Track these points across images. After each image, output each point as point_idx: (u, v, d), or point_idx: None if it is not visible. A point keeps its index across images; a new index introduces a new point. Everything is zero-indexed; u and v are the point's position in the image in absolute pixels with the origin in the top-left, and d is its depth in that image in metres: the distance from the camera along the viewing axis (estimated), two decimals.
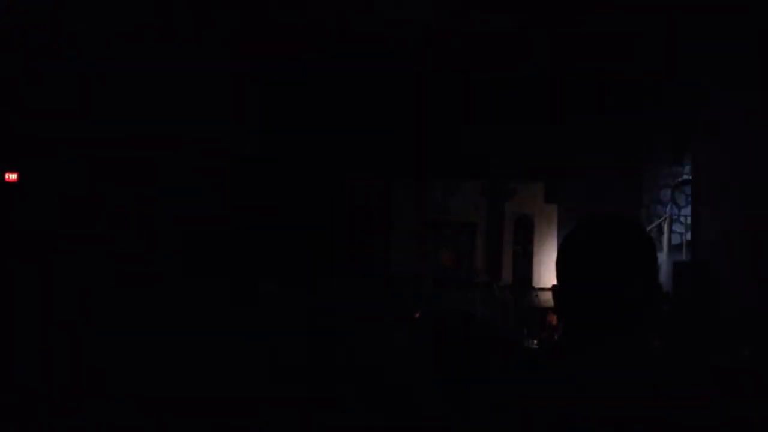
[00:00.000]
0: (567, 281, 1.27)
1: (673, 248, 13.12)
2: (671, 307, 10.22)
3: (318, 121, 13.57)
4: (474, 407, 1.63)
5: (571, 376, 1.24)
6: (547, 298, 13.31)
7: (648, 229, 13.43)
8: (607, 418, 1.16)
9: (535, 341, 9.22)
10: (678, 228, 13.20)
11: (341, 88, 13.15)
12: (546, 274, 15.33)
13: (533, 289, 14.87)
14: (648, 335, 1.29)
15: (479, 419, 1.37)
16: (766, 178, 8.52)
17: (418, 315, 9.59)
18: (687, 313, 9.61)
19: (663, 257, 13.12)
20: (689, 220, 12.51)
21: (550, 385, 1.25)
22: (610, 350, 1.22)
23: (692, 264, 10.90)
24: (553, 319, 9.38)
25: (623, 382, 1.19)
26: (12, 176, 9.25)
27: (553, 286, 1.33)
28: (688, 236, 12.56)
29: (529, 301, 13.08)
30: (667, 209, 13.55)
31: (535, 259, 15.36)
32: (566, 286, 1.27)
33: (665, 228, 13.43)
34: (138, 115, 9.91)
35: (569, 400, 1.19)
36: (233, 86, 11.50)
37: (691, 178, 12.21)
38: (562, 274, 1.28)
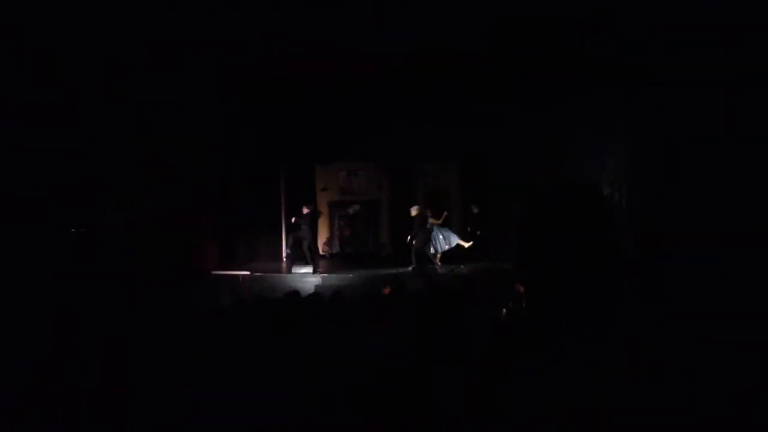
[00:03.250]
0: (527, 250, 1.29)
1: (636, 213, 13.32)
2: (636, 277, 10.38)
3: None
4: (446, 379, 1.66)
5: (540, 346, 1.26)
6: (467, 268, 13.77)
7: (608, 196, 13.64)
8: (573, 386, 1.19)
9: (504, 310, 9.28)
10: (639, 193, 13.37)
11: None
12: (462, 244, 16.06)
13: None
14: (611, 300, 1.32)
15: (452, 390, 1.39)
16: (727, 142, 8.68)
17: (387, 291, 9.63)
18: (650, 283, 9.80)
19: (625, 222, 13.33)
20: (652, 185, 12.68)
21: (521, 356, 1.28)
22: (575, 320, 1.24)
23: (652, 233, 11.06)
24: (520, 288, 9.48)
25: (588, 351, 1.22)
26: None
27: (516, 255, 1.34)
28: (647, 204, 12.73)
29: (450, 272, 13.35)
30: (629, 175, 13.72)
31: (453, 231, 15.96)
32: (527, 255, 1.29)
33: (626, 193, 13.64)
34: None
35: (539, 370, 1.22)
36: None
37: (652, 142, 12.35)
38: (522, 243, 1.30)
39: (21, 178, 8.72)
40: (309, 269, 12.80)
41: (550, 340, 1.29)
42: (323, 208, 16.00)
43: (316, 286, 10.90)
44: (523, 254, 1.38)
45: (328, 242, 16.32)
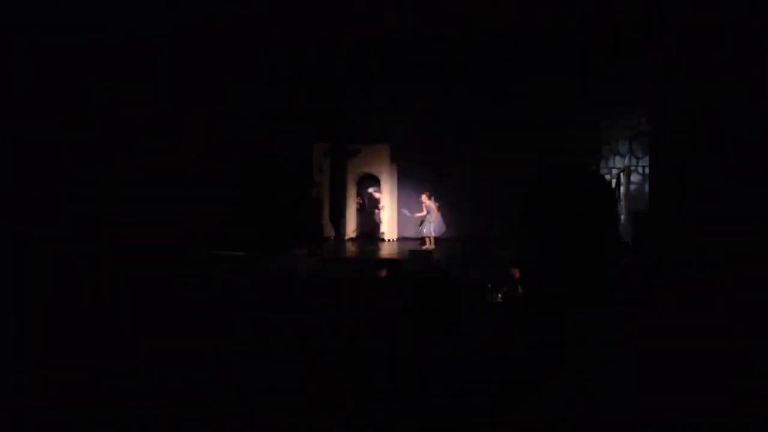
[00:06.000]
0: (530, 234, 1.26)
1: (632, 198, 13.35)
2: (631, 258, 10.40)
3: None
4: (449, 363, 1.63)
5: (538, 331, 1.24)
6: (391, 248, 14.02)
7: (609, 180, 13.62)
8: (572, 373, 1.17)
9: (499, 295, 9.25)
10: (636, 178, 13.41)
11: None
12: (390, 227, 16.33)
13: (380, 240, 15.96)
14: (612, 286, 1.29)
15: (453, 377, 1.37)
16: (721, 126, 8.66)
17: (384, 273, 9.59)
18: (647, 264, 9.81)
19: (621, 208, 13.35)
20: (647, 171, 12.70)
21: (518, 339, 1.25)
22: (576, 304, 1.22)
23: (651, 214, 11.08)
24: (516, 272, 9.43)
25: (589, 336, 1.19)
26: None
27: (517, 239, 1.31)
28: (647, 187, 12.75)
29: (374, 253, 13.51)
30: (626, 160, 13.74)
31: (382, 214, 16.29)
32: (529, 239, 1.26)
33: (623, 179, 13.64)
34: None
35: (538, 354, 1.20)
36: None
37: (648, 128, 12.34)
38: (524, 226, 1.26)
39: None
40: (306, 250, 12.81)
41: (546, 326, 1.26)
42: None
43: (313, 268, 10.88)
44: (524, 236, 1.34)
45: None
